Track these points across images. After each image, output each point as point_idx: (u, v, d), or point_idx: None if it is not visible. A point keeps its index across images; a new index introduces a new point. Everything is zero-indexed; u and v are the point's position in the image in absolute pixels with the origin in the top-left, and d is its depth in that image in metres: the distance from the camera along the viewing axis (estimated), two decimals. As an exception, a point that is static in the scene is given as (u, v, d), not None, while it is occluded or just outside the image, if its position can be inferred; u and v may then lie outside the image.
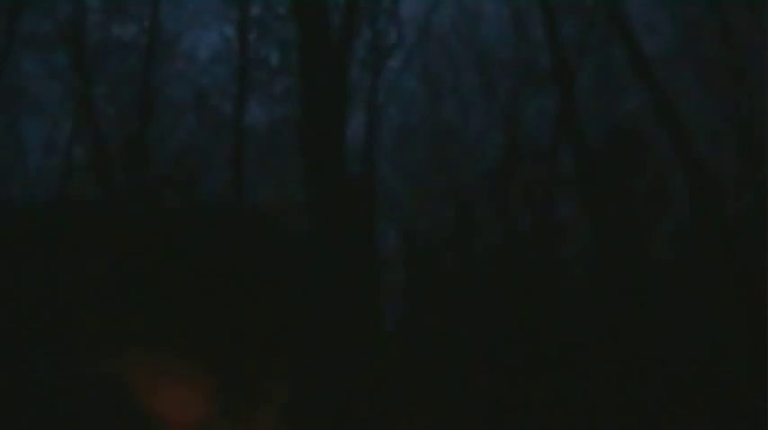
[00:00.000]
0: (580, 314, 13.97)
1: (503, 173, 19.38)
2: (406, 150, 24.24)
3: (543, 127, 20.09)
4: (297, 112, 15.10)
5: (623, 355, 10.61)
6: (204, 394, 1.20)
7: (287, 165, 21.29)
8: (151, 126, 19.00)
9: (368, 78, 20.76)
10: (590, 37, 18.62)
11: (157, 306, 1.31)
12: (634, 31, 14.14)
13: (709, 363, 9.28)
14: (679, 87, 18.52)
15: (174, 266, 1.37)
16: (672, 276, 12.99)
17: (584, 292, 15.12)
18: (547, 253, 17.00)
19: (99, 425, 1.20)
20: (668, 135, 13.33)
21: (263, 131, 22.12)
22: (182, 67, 21.50)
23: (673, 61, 18.94)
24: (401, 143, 23.97)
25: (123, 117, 20.34)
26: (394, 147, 23.60)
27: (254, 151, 22.67)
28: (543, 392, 11.22)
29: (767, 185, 12.70)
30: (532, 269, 16.04)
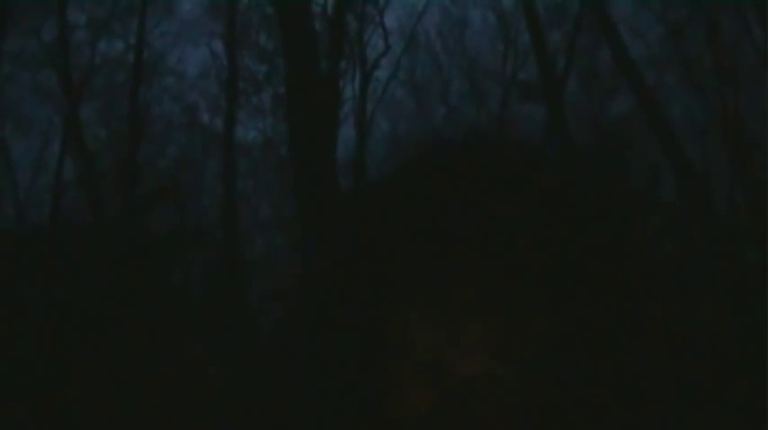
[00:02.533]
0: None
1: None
2: (396, 160, 24.26)
3: (533, 133, 20.15)
4: (288, 126, 15.12)
5: (615, 355, 10.62)
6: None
7: (280, 179, 21.29)
8: (141, 142, 18.98)
9: (356, 89, 20.81)
10: (577, 42, 18.70)
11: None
12: (620, 35, 14.21)
13: (705, 362, 9.30)
14: (666, 88, 18.62)
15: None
16: (660, 275, 13.00)
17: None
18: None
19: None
20: (656, 136, 13.38)
21: (257, 146, 22.14)
22: (170, 83, 21.52)
23: (659, 63, 19.04)
24: (391, 153, 24.01)
25: (113, 134, 20.33)
26: (384, 157, 23.64)
27: (247, 166, 22.67)
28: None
29: (765, 184, 12.75)
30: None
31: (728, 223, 10.83)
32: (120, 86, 20.03)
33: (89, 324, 13.41)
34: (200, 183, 22.72)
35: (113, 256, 15.28)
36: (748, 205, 13.29)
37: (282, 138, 20.71)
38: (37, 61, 19.51)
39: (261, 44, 20.15)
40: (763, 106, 14.43)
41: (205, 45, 20.99)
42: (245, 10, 19.79)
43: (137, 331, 13.54)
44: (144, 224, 17.29)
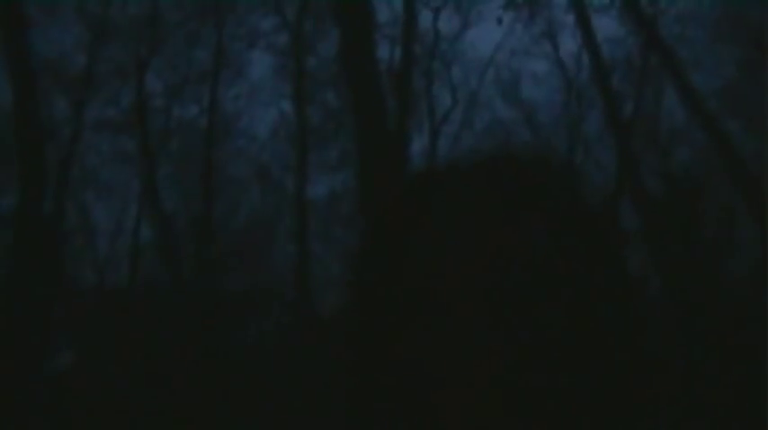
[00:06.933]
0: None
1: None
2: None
3: (602, 181, 19.93)
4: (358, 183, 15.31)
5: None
6: None
7: (348, 236, 21.45)
8: (215, 203, 19.43)
9: (425, 144, 20.96)
10: (644, 88, 18.56)
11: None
12: (689, 79, 14.03)
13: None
14: (738, 125, 18.22)
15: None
16: (745, 321, 12.62)
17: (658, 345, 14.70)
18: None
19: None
20: (732, 178, 13.10)
21: (324, 203, 22.41)
22: (242, 144, 22.06)
23: (728, 98, 18.69)
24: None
25: (188, 196, 20.87)
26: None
27: (316, 223, 22.94)
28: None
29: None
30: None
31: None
32: (195, 149, 20.63)
33: (164, 380, 13.65)
34: (272, 241, 23.05)
35: (189, 315, 15.57)
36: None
37: (351, 193, 20.95)
38: (116, 127, 20.27)
39: (328, 101, 20.53)
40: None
41: (275, 106, 21.50)
42: (312, 70, 20.25)
43: (210, 386, 13.71)
44: (218, 283, 17.64)
